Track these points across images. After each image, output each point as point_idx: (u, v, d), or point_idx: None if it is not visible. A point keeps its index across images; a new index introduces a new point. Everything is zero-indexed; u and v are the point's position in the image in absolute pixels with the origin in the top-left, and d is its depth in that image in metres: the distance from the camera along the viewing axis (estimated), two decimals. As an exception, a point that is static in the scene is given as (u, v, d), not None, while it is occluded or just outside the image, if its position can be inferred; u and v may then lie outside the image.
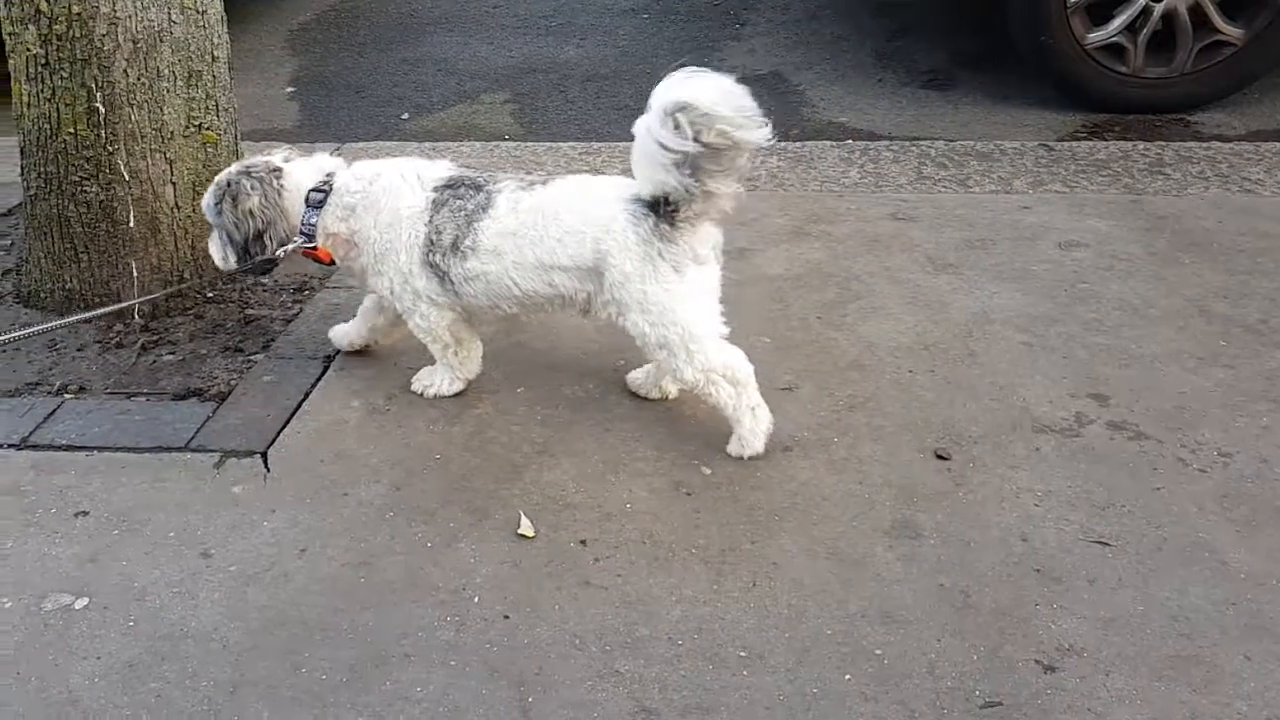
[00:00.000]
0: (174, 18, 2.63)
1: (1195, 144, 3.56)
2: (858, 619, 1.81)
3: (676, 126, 1.88)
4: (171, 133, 2.68)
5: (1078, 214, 3.13)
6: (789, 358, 2.51)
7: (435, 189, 2.22)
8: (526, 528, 2.04)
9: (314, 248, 2.30)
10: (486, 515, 2.08)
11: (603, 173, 3.52)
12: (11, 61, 2.64)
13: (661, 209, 2.03)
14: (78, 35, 2.53)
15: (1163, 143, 3.59)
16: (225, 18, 2.80)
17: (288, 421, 2.36)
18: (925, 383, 2.40)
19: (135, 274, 2.72)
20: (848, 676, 1.70)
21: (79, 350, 2.69)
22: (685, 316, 2.07)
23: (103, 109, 2.57)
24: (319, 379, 2.52)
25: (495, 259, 2.15)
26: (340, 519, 2.09)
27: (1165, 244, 2.95)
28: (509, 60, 4.72)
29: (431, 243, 2.19)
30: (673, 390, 2.35)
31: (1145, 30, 3.78)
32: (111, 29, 2.54)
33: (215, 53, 2.76)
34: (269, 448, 2.28)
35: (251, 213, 2.23)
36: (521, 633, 1.81)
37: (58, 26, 2.53)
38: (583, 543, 2.00)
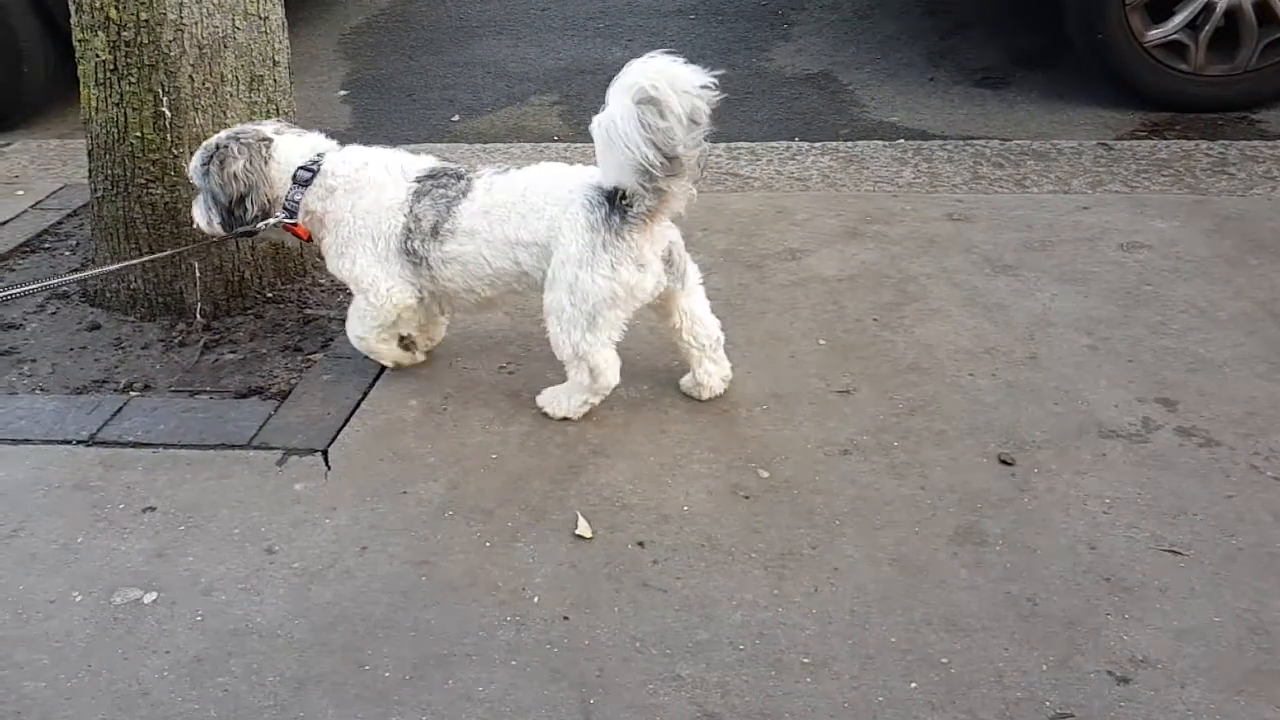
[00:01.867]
0: (238, 24, 2.68)
1: (1260, 143, 3.47)
2: (922, 626, 1.78)
3: (628, 140, 1.96)
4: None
5: (1139, 215, 3.07)
6: (846, 360, 2.48)
7: (417, 179, 2.29)
8: (584, 528, 2.04)
9: (295, 224, 2.35)
10: (544, 515, 2.08)
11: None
12: (81, 67, 2.71)
13: (617, 201, 2.09)
14: (145, 41, 2.58)
15: (1226, 142, 3.50)
16: (286, 24, 2.84)
17: (347, 420, 2.39)
18: (987, 386, 2.36)
19: (198, 274, 2.77)
20: (913, 685, 1.68)
21: (143, 349, 2.74)
22: (600, 310, 2.15)
23: (168, 113, 2.63)
24: (377, 378, 2.54)
25: (470, 239, 2.23)
26: (400, 517, 2.10)
27: (1231, 245, 2.88)
28: (557, 62, 4.74)
29: (410, 230, 2.27)
30: (719, 385, 2.36)
31: (1207, 27, 3.68)
32: (178, 35, 2.59)
33: (276, 58, 2.80)
34: (329, 446, 2.31)
35: (236, 175, 2.27)
36: (581, 634, 1.81)
37: (126, 33, 2.58)
38: (640, 544, 1.99)
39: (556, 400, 2.34)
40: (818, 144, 3.66)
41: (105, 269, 2.72)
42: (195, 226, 2.45)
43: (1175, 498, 2.02)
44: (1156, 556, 1.89)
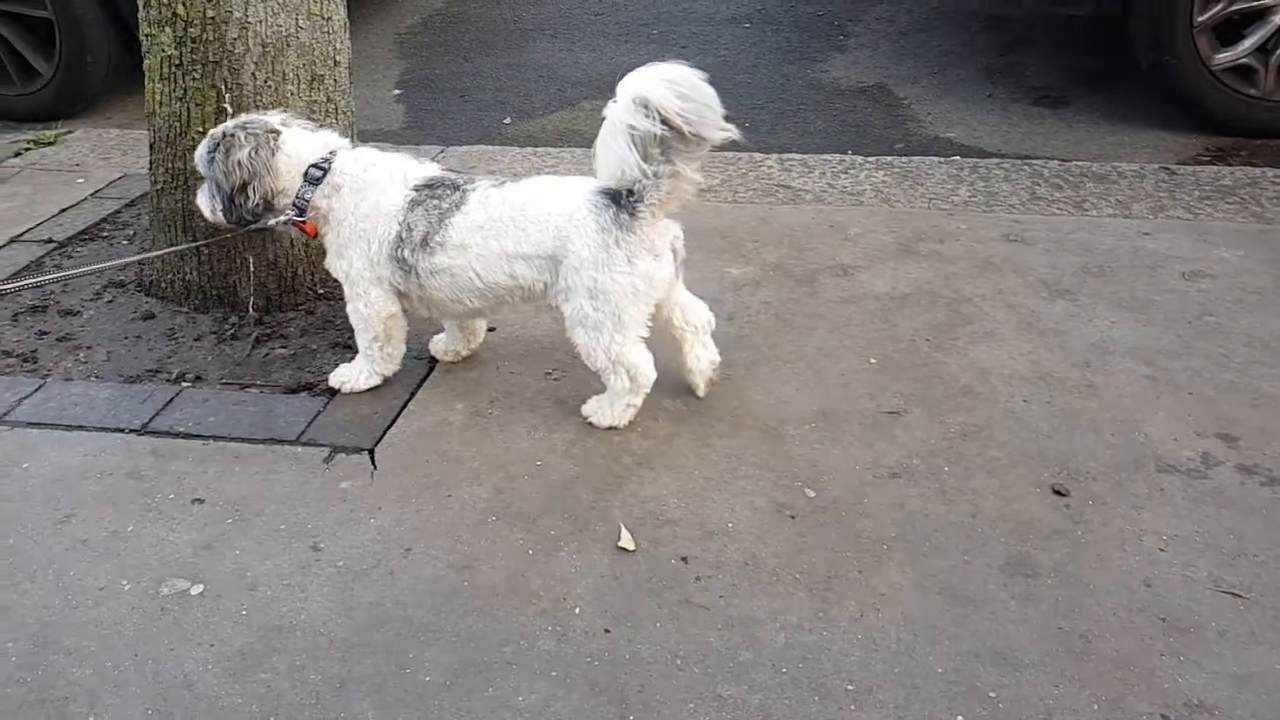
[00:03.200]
0: (301, 23, 2.71)
1: (1331, 172, 3.38)
2: (970, 658, 1.75)
3: (647, 111, 2.01)
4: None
5: (1203, 242, 3.00)
6: (896, 380, 2.45)
7: (415, 188, 2.30)
8: (627, 541, 2.03)
9: (303, 221, 2.37)
10: (587, 526, 2.08)
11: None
12: (146, 61, 2.75)
13: (623, 200, 2.13)
14: (210, 38, 2.62)
15: (1294, 169, 3.41)
16: (348, 24, 2.87)
17: (394, 420, 2.40)
18: (1041, 414, 2.32)
19: (252, 268, 2.80)
20: (959, 718, 1.64)
21: (196, 340, 2.78)
22: (624, 307, 2.17)
23: (230, 109, 2.66)
24: (424, 379, 2.55)
25: (461, 253, 2.25)
26: (444, 520, 2.11)
27: (1298, 278, 2.80)
28: (610, 67, 4.74)
29: (401, 239, 2.28)
30: (709, 370, 2.38)
31: (1279, 51, 3.60)
32: (243, 33, 2.62)
33: (337, 57, 2.83)
34: (376, 445, 2.32)
35: (240, 163, 2.27)
36: (623, 648, 1.80)
37: (192, 30, 2.62)
38: (684, 560, 1.98)
39: (601, 410, 2.34)
40: (872, 158, 3.62)
41: (152, 254, 2.77)
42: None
43: (1235, 537, 1.97)
44: (1215, 598, 1.84)
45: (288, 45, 2.70)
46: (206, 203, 2.40)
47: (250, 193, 2.29)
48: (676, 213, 2.22)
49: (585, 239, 2.15)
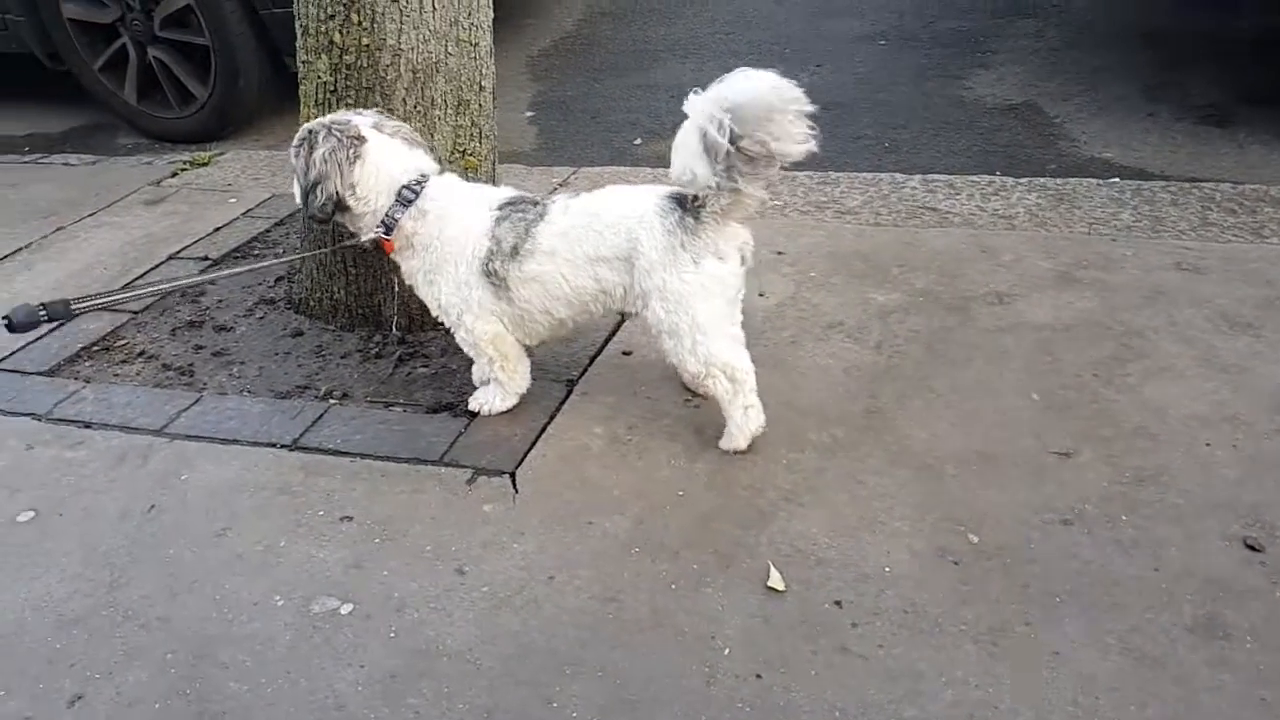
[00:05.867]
0: (449, 50, 2.75)
1: None
2: (1161, 729, 1.60)
3: (720, 127, 1.98)
4: (439, 158, 2.79)
5: (1404, 273, 2.73)
6: (1063, 419, 2.29)
7: (499, 208, 2.34)
8: (776, 580, 1.95)
9: (388, 239, 2.37)
10: (733, 561, 2.01)
11: (841, 203, 3.41)
12: (302, 88, 2.84)
13: (689, 204, 2.15)
14: (365, 65, 2.68)
15: None
16: (494, 50, 2.90)
17: (534, 443, 2.39)
18: (1227, 459, 2.13)
19: (396, 288, 2.85)
20: (1153, 796, 1.50)
21: (342, 358, 2.85)
22: (696, 307, 2.17)
23: (382, 133, 2.71)
24: (562, 402, 2.54)
25: (550, 259, 2.27)
26: (586, 549, 2.07)
27: None
28: (741, 87, 4.68)
29: (491, 253, 2.30)
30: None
31: None
32: (395, 60, 2.68)
33: (483, 83, 2.86)
34: (517, 468, 2.31)
35: (313, 162, 2.28)
36: (776, 695, 1.72)
37: (348, 57, 2.69)
38: (838, 604, 1.89)
39: (732, 436, 2.29)
40: (1023, 179, 3.45)
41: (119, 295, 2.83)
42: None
43: None
44: None
45: (437, 71, 2.74)
46: (298, 193, 2.42)
47: (318, 192, 2.31)
48: (755, 220, 2.19)
49: (653, 240, 2.17)
